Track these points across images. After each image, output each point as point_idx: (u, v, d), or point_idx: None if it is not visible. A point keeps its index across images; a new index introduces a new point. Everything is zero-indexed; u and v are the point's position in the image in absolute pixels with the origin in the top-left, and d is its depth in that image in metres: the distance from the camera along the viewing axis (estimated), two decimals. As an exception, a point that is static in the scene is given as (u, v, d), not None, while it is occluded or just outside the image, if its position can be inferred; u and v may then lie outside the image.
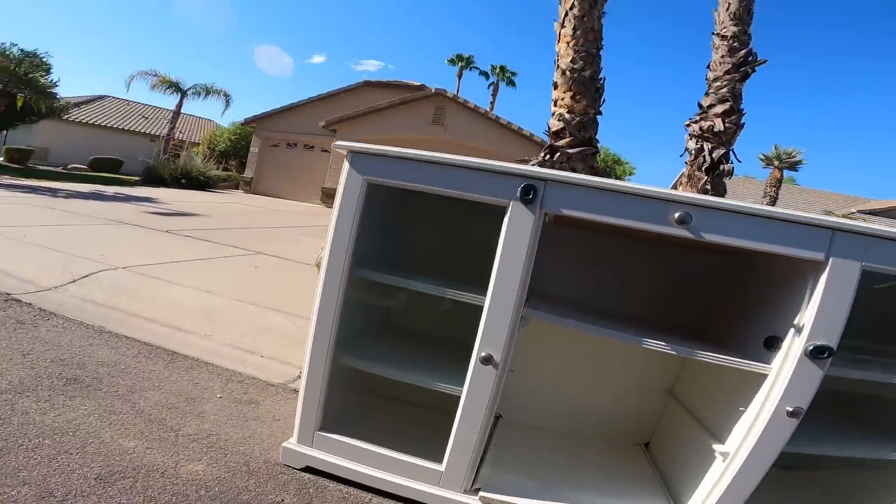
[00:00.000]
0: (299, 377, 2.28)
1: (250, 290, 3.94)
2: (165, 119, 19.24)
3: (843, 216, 14.18)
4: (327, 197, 14.53)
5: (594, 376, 2.16)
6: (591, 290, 2.03)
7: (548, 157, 4.96)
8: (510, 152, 12.07)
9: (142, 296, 3.31)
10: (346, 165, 1.42)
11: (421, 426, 1.64)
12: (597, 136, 4.92)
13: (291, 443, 1.69)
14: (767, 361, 1.30)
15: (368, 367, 1.64)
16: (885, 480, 1.57)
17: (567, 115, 4.77)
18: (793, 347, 1.24)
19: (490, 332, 1.37)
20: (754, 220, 1.17)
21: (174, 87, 17.01)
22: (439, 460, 1.55)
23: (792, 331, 1.24)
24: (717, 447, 1.46)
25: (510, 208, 1.29)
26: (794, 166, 12.12)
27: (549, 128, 4.95)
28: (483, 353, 1.38)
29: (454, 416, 1.50)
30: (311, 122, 15.48)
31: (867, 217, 15.02)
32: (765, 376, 1.30)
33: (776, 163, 12.02)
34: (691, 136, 5.19)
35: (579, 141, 4.78)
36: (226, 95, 17.86)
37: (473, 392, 1.43)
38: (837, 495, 1.78)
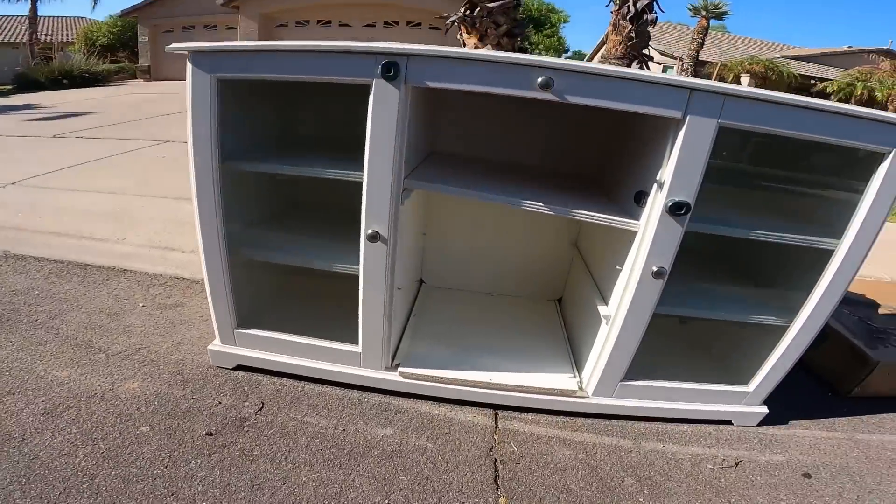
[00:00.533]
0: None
1: (160, 182, 3.72)
2: (22, 26, 16.60)
3: (767, 60, 15.19)
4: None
5: (508, 235, 2.26)
6: (495, 146, 2.05)
7: (468, 12, 4.82)
8: (436, 8, 11.19)
9: (40, 210, 3.10)
10: (188, 66, 1.30)
11: (340, 305, 1.66)
12: (518, -10, 4.68)
13: (216, 344, 1.73)
14: (638, 218, 1.39)
15: (266, 256, 1.64)
16: (757, 339, 1.66)
17: (484, -31, 4.43)
18: (656, 204, 1.31)
19: (373, 209, 1.39)
20: (615, 82, 1.18)
21: (19, -10, 14.30)
22: (357, 341, 1.63)
23: (655, 187, 1.31)
24: (601, 309, 1.59)
25: (374, 86, 1.25)
26: (720, 16, 13.28)
27: (467, -17, 4.65)
28: (369, 231, 1.41)
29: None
30: (206, 2, 13.69)
31: (790, 62, 16.09)
32: (634, 233, 1.40)
33: (703, 13, 12.84)
34: (616, -15, 5.06)
35: (499, -5, 4.54)
36: (90, -10, 15.43)
37: (369, 270, 1.48)
38: (719, 356, 1.93)
